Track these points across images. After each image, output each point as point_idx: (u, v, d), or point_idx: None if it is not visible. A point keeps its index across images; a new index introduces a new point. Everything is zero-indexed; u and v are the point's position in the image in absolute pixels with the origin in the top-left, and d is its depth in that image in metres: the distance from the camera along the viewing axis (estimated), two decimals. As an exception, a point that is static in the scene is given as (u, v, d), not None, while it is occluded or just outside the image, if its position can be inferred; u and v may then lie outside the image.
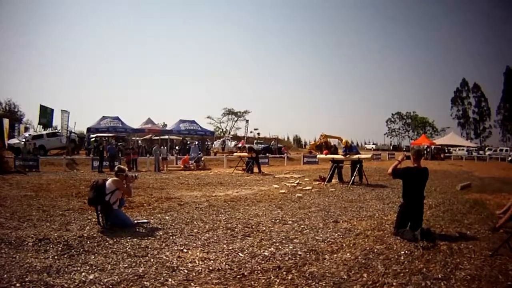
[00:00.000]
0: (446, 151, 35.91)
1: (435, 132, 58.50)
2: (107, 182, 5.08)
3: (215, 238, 4.52)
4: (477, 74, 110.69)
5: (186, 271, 3.34)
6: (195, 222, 5.41)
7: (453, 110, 61.24)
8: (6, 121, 22.00)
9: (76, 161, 18.02)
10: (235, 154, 17.71)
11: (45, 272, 3.22)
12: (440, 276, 3.26)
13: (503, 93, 56.35)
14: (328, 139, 23.49)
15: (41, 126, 25.10)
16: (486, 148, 43.15)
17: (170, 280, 3.12)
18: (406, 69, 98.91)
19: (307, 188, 9.59)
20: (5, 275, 3.12)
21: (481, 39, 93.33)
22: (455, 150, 37.83)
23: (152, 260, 3.64)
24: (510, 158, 29.85)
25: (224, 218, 5.73)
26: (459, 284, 3.12)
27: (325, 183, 10.70)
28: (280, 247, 4.15)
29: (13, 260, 3.51)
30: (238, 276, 3.22)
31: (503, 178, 13.62)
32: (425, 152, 31.33)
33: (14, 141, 20.60)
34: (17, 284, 2.94)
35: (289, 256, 3.81)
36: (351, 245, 4.27)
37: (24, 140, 19.59)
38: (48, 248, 3.96)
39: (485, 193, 8.85)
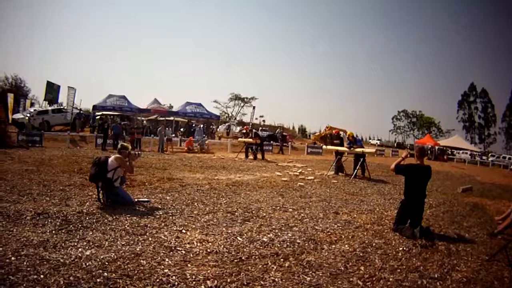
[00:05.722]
0: (450, 153, 35.68)
1: (440, 133, 58.02)
2: (110, 159, 5.08)
3: (215, 221, 4.53)
4: (486, 80, 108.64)
5: (183, 252, 3.35)
6: (195, 203, 5.42)
7: (460, 113, 60.79)
8: (11, 96, 21.91)
9: (80, 138, 18.08)
10: (239, 139, 17.59)
11: (42, 247, 3.20)
12: (436, 276, 3.25)
13: (510, 101, 55.74)
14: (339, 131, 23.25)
15: (47, 102, 25.05)
16: (489, 154, 42.87)
17: (167, 260, 3.13)
18: (415, 68, 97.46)
19: (310, 177, 9.56)
20: (1, 248, 3.08)
21: (493, 45, 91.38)
22: (458, 153, 37.63)
23: (150, 239, 3.65)
24: None
25: (224, 201, 5.74)
26: (455, 285, 3.11)
27: (327, 174, 10.67)
28: (279, 234, 4.15)
29: (10, 234, 3.47)
30: (236, 260, 3.23)
31: (505, 185, 13.56)
32: (429, 151, 31.15)
33: (18, 115, 20.53)
34: (12, 258, 2.90)
35: (288, 243, 3.81)
36: (350, 237, 4.26)
37: (28, 115, 19.55)
38: (46, 222, 3.93)
39: (485, 198, 8.80)
